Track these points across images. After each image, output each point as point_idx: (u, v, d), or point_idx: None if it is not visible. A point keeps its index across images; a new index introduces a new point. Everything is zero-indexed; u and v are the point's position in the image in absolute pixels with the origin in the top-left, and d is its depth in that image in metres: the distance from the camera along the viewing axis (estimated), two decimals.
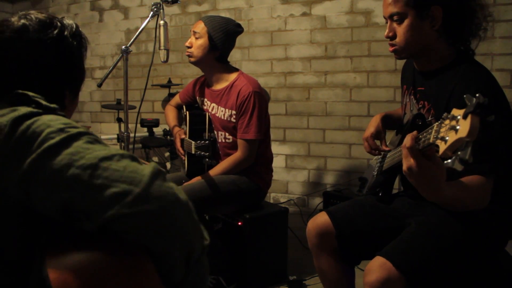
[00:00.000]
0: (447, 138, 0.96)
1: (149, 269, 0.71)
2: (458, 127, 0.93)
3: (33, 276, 0.71)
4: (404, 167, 1.14)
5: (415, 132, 1.13)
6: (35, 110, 0.79)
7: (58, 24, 0.95)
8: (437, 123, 1.03)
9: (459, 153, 0.93)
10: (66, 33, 0.95)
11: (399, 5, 1.41)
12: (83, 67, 1.02)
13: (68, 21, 0.99)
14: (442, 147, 0.98)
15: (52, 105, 0.83)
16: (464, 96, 0.94)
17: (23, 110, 0.78)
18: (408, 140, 1.11)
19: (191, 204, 0.76)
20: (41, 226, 0.75)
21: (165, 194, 0.71)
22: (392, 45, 1.48)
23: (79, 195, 0.70)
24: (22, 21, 0.91)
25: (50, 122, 0.76)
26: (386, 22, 1.48)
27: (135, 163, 0.74)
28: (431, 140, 1.04)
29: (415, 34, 1.41)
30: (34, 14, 0.94)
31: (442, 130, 0.99)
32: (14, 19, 0.92)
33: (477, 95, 0.93)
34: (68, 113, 0.99)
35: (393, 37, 1.46)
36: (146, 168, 0.73)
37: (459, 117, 0.95)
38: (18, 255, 0.74)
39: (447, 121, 0.99)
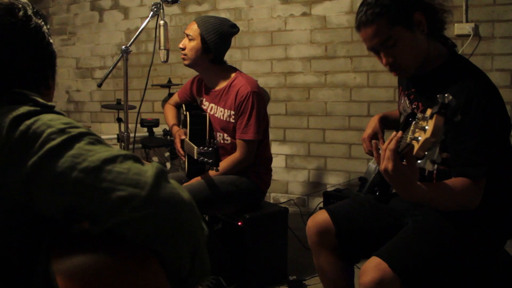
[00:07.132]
0: (419, 138, 0.98)
1: (155, 268, 0.70)
2: (426, 127, 0.95)
3: (37, 278, 0.71)
4: (381, 167, 1.18)
5: (400, 133, 1.15)
6: (32, 108, 0.76)
7: (19, 4, 0.86)
8: (414, 123, 1.05)
9: (426, 153, 0.95)
10: (29, 12, 0.86)
11: (385, 30, 1.35)
12: (51, 43, 0.94)
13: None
14: (416, 147, 0.99)
15: (50, 103, 0.81)
16: (438, 96, 0.96)
17: (21, 109, 0.75)
18: (391, 142, 1.14)
19: (193, 201, 0.75)
20: (44, 227, 0.74)
21: (170, 196, 0.71)
22: (395, 69, 1.42)
23: (84, 200, 0.69)
24: None
25: (51, 122, 0.74)
26: (377, 53, 1.41)
27: (138, 164, 0.73)
28: (407, 140, 1.05)
29: (415, 46, 1.38)
30: None
31: (417, 130, 1.01)
32: None
33: (446, 95, 0.94)
34: (52, 92, 0.95)
35: (394, 61, 1.40)
36: (150, 169, 0.72)
37: (428, 116, 0.96)
38: (20, 257, 0.73)
39: (421, 121, 1.00)
